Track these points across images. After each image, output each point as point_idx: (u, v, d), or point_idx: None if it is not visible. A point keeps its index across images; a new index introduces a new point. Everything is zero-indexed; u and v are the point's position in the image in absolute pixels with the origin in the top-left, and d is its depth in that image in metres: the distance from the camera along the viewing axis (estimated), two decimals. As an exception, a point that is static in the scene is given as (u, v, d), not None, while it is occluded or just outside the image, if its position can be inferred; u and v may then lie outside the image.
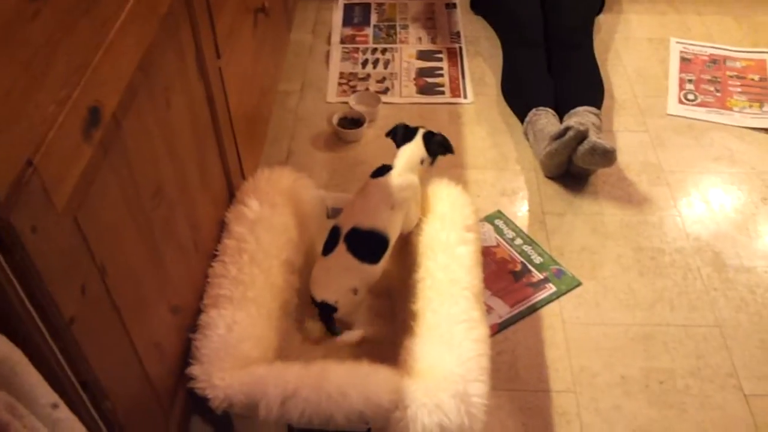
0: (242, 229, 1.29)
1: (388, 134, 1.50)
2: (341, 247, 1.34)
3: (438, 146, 1.46)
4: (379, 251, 1.36)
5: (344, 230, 1.36)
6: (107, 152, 0.85)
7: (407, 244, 1.40)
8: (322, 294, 1.34)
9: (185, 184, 1.14)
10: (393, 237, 1.38)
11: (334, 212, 1.51)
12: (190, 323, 1.19)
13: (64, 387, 0.81)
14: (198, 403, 1.18)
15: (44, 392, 0.74)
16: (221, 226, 1.34)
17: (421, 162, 1.44)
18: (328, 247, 1.37)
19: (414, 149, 1.44)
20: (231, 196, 1.41)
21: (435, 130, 1.50)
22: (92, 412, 0.88)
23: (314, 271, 1.37)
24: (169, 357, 1.11)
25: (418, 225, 1.42)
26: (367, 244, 1.35)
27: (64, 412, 0.77)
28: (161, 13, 0.98)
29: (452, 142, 1.50)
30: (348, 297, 1.35)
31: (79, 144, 0.77)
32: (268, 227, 1.31)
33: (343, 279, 1.34)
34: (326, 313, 1.35)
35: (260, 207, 1.34)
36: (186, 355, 1.17)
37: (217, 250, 1.28)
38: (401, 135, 1.47)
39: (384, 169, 1.41)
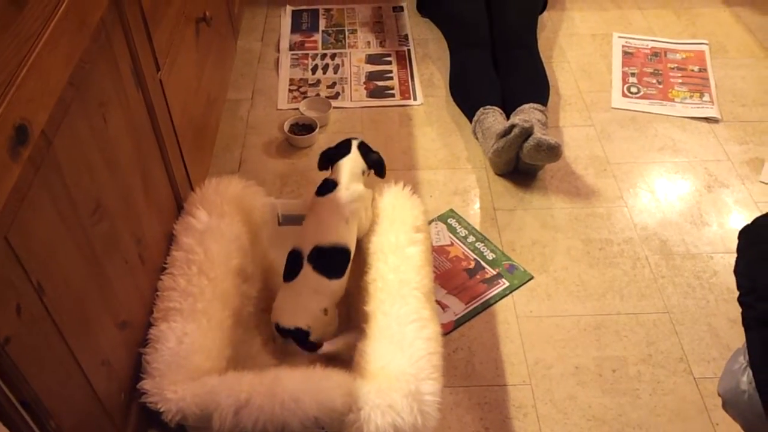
0: (190, 240, 1.28)
1: (320, 168, 1.46)
2: (307, 269, 1.31)
3: (376, 163, 1.45)
4: (344, 264, 1.34)
5: (306, 251, 1.33)
6: (38, 170, 0.83)
7: (359, 248, 1.40)
8: (294, 321, 1.29)
9: (128, 199, 1.13)
10: (352, 247, 1.37)
11: (285, 219, 1.51)
12: (139, 338, 1.17)
13: (4, 408, 0.80)
14: (152, 418, 1.16)
15: (-20, 416, 0.73)
16: (170, 239, 1.32)
17: (363, 173, 1.43)
18: (291, 273, 1.33)
19: (354, 160, 1.42)
20: (179, 207, 1.39)
21: (369, 145, 1.48)
22: (36, 432, 0.86)
23: (279, 300, 1.33)
24: (118, 373, 1.09)
25: (369, 228, 1.42)
26: (332, 260, 1.33)
27: (3, 435, 0.75)
28: (91, 27, 0.97)
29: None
30: (320, 319, 1.31)
31: (5, 163, 0.75)
32: (217, 237, 1.30)
33: (313, 301, 1.30)
34: (300, 338, 1.30)
35: (208, 217, 1.33)
36: (137, 370, 1.15)
37: (165, 263, 1.27)
38: (333, 153, 1.45)
39: (329, 185, 1.39)
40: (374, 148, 1.48)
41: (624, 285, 1.61)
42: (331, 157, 1.44)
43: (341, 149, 1.44)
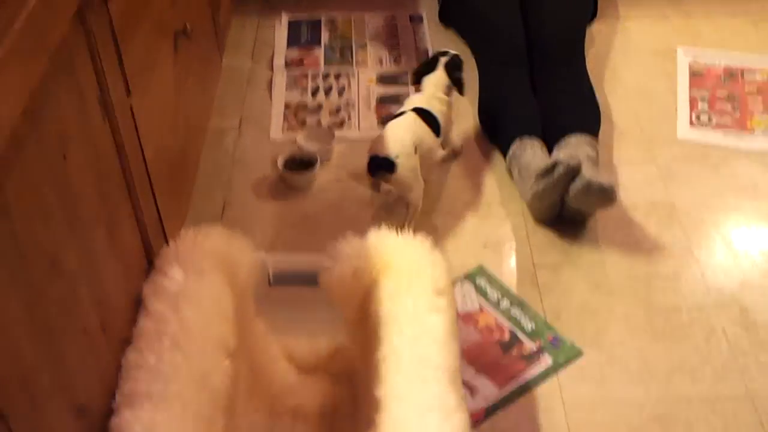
0: (162, 306, 1.27)
1: (413, 83, 2.00)
2: (411, 114, 1.84)
3: (458, 81, 1.93)
4: (437, 127, 1.88)
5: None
6: (-17, 221, 0.84)
7: (367, 315, 1.40)
8: (387, 150, 1.72)
9: (89, 254, 1.13)
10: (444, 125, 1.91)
11: (277, 278, 1.51)
12: (99, 428, 1.16)
13: None
14: None
15: None
16: (137, 303, 1.32)
17: (448, 92, 1.92)
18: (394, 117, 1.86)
19: (438, 77, 1.91)
20: (150, 264, 1.39)
21: (459, 61, 1.95)
22: None
23: (377, 137, 1.78)
24: (71, 471, 1.08)
25: (378, 288, 1.41)
26: (429, 116, 1.86)
27: None
28: (51, 47, 0.98)
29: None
30: (410, 157, 1.74)
31: (-57, 214, 0.76)
32: (194, 302, 1.30)
33: (408, 134, 1.77)
34: (387, 167, 1.72)
35: (184, 276, 1.32)
36: (95, 467, 1.14)
37: (131, 334, 1.27)
38: (421, 69, 1.94)
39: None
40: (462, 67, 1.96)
41: (696, 364, 1.59)
42: (420, 73, 1.94)
43: (429, 66, 1.94)
